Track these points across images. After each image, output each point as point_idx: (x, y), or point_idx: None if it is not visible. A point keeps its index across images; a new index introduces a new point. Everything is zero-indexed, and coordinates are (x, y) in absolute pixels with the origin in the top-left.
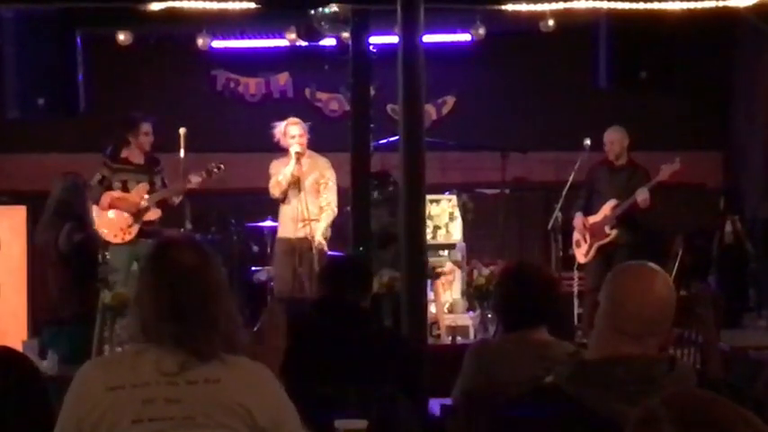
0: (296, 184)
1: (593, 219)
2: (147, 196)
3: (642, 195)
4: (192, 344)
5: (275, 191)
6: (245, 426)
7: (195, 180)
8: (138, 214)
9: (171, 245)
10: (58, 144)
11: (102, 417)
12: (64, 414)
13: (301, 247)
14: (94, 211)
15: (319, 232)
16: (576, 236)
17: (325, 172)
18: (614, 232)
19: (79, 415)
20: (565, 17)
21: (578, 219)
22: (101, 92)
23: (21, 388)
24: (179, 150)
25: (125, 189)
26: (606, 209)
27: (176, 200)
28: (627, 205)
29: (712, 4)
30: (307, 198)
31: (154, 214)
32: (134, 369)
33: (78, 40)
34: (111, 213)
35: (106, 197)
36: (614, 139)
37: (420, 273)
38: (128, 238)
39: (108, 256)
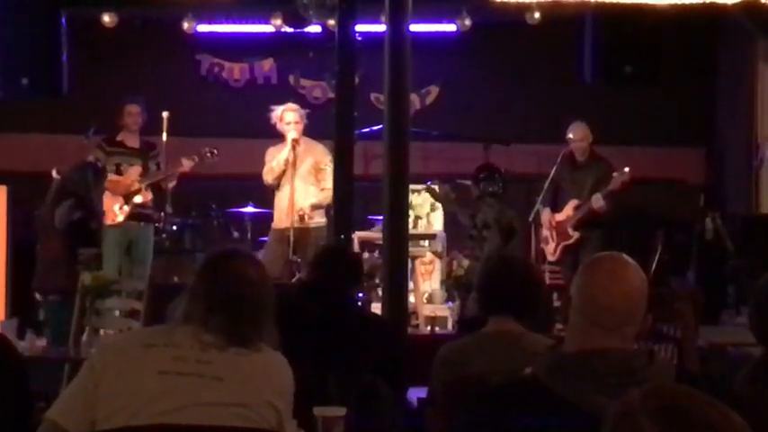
0: (290, 171)
1: (558, 217)
2: (139, 178)
3: (597, 203)
4: (236, 334)
5: (268, 177)
6: (269, 397)
7: (187, 164)
8: (128, 196)
9: (235, 255)
10: (40, 124)
11: (129, 366)
12: (89, 364)
13: (295, 235)
14: None
15: (309, 202)
16: (545, 232)
17: (323, 158)
18: (577, 234)
19: (105, 362)
20: (551, 10)
21: (545, 215)
22: (84, 73)
23: None
24: (162, 134)
25: (118, 172)
26: (568, 209)
27: (170, 184)
28: (584, 211)
29: (699, 1)
30: (299, 186)
31: (145, 197)
32: (170, 334)
33: (63, 20)
34: (103, 196)
35: None
36: (583, 136)
37: (402, 262)
38: (118, 219)
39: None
